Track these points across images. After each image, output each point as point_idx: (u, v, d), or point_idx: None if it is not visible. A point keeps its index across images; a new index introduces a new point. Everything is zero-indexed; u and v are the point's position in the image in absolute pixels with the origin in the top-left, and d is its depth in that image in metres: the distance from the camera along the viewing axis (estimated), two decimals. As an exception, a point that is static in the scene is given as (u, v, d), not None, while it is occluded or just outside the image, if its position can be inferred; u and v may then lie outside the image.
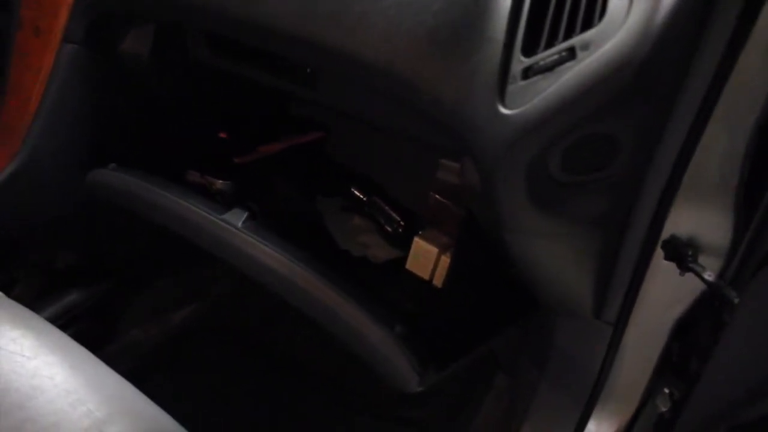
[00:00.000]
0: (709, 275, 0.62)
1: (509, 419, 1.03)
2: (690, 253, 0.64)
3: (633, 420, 0.81)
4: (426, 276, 0.91)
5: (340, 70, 0.72)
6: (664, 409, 0.75)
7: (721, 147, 0.60)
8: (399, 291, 0.88)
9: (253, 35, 0.75)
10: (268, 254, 0.81)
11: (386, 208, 1.03)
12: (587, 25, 0.53)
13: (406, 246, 0.92)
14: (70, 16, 0.91)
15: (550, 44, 0.55)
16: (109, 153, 1.01)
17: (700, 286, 0.68)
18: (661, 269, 0.68)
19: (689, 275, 0.64)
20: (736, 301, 0.58)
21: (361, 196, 1.07)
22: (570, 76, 0.52)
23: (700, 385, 0.66)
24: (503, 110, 0.56)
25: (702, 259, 0.64)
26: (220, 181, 0.99)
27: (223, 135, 1.12)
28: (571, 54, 0.53)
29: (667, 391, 0.75)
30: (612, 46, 0.50)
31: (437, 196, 0.95)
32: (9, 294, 0.76)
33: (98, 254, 1.20)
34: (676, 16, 0.50)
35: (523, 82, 0.56)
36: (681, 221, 0.64)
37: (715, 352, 0.63)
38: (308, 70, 0.87)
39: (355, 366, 1.27)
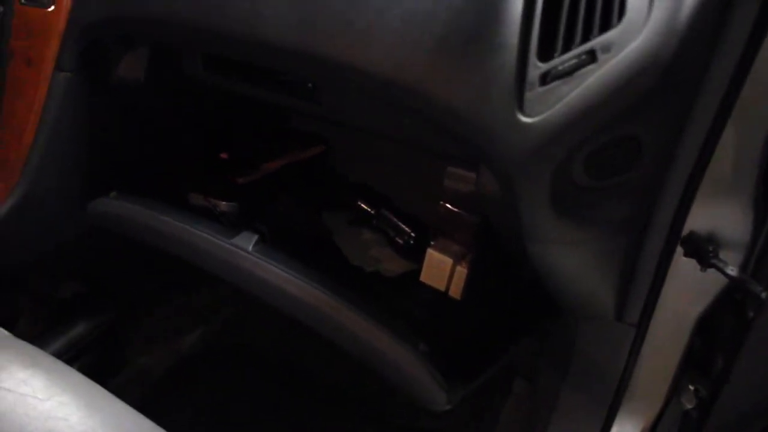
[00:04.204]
0: (732, 270, 0.61)
1: (531, 425, 1.01)
2: (711, 248, 0.64)
3: (658, 419, 0.80)
4: (442, 287, 0.89)
5: (347, 84, 0.70)
6: (689, 407, 0.75)
7: (738, 142, 0.59)
8: (415, 305, 0.87)
9: (253, 53, 0.74)
10: (282, 277, 0.79)
11: (395, 219, 1.02)
12: (605, 25, 0.52)
13: (418, 258, 0.91)
14: (62, 44, 0.89)
15: (567, 48, 0.54)
16: (110, 180, 0.99)
17: (721, 282, 0.67)
18: (682, 266, 0.67)
19: (709, 271, 0.63)
20: (764, 295, 0.57)
21: (369, 209, 1.06)
22: (593, 80, 0.51)
23: (730, 383, 0.66)
24: (523, 118, 0.54)
25: (722, 254, 0.63)
26: (224, 203, 0.98)
27: (223, 155, 1.11)
28: (591, 57, 0.52)
29: (692, 388, 0.75)
30: (636, 47, 0.49)
31: (447, 205, 0.93)
32: (12, 328, 0.75)
33: (102, 283, 1.18)
34: (699, 12, 0.48)
35: (541, 89, 0.54)
36: (699, 217, 0.64)
37: (745, 348, 0.62)
38: (309, 84, 0.85)
39: (368, 377, 1.26)
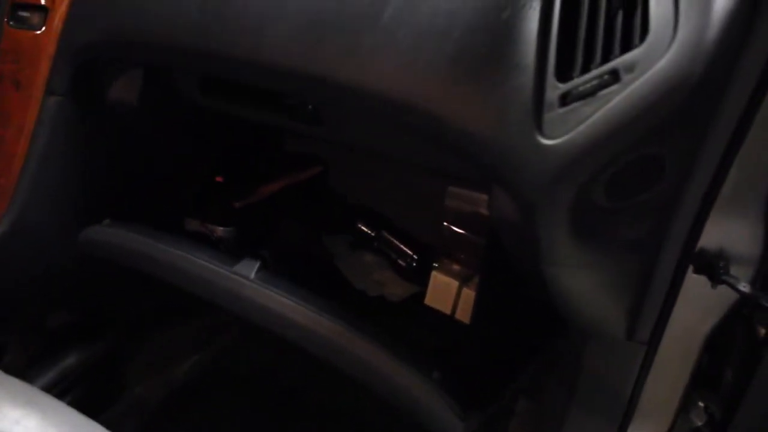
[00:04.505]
0: (744, 286, 0.61)
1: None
2: (721, 264, 0.63)
3: (667, 436, 0.79)
4: (447, 310, 0.87)
5: (355, 107, 0.68)
6: (699, 424, 0.74)
7: (748, 156, 0.58)
8: (423, 330, 0.85)
9: (256, 76, 0.71)
10: (287, 306, 0.76)
11: (396, 241, 1.00)
12: (627, 44, 0.50)
13: (422, 280, 0.89)
14: (53, 67, 0.87)
15: (586, 67, 0.52)
16: (103, 207, 0.97)
17: (730, 298, 0.67)
18: (692, 283, 0.66)
19: (718, 287, 0.62)
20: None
21: (369, 231, 1.04)
22: (618, 100, 0.49)
23: (744, 401, 0.65)
24: (543, 141, 0.53)
25: (732, 270, 0.62)
26: (221, 228, 0.95)
27: (219, 179, 1.08)
28: (614, 77, 0.50)
29: (701, 404, 0.74)
30: (663, 67, 0.47)
31: (450, 225, 0.92)
32: (0, 360, 0.72)
33: (93, 312, 1.15)
34: (727, 28, 0.47)
35: (561, 110, 0.52)
36: (709, 233, 0.62)
37: (759, 366, 0.62)
38: (310, 106, 0.83)
39: (368, 402, 1.23)
